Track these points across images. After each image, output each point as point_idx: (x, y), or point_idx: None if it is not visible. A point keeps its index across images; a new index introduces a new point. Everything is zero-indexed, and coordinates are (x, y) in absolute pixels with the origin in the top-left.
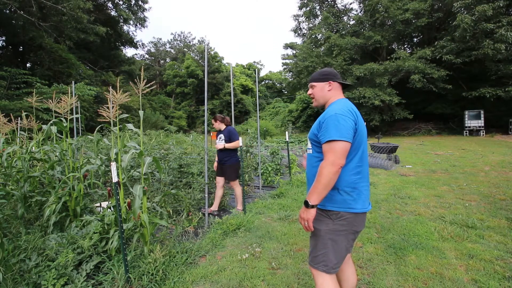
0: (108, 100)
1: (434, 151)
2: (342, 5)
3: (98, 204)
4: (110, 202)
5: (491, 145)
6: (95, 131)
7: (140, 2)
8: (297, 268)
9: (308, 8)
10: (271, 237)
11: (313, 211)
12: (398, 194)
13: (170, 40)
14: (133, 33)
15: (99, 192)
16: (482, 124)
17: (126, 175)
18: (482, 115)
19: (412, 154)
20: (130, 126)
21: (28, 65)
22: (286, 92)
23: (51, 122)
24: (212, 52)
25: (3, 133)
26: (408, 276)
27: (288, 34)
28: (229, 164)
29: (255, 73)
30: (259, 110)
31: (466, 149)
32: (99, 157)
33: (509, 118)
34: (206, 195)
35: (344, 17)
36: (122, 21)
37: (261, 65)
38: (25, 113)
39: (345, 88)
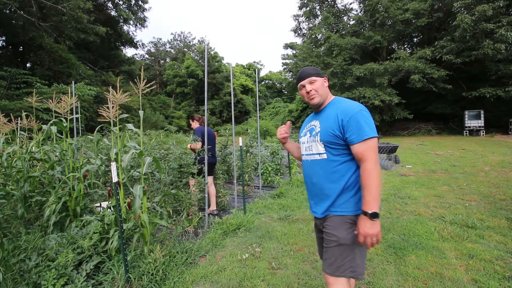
0: (108, 100)
1: (434, 151)
2: (342, 5)
3: (98, 204)
4: (110, 202)
5: (491, 145)
6: (95, 131)
7: (140, 2)
8: (297, 268)
9: (308, 8)
10: (271, 237)
11: (379, 221)
12: (398, 194)
13: (170, 40)
14: (133, 33)
15: (99, 192)
16: (482, 124)
17: (126, 175)
18: (482, 115)
19: (412, 154)
20: (130, 126)
21: (28, 65)
22: (286, 92)
23: (51, 122)
24: (212, 52)
25: (3, 133)
26: (408, 276)
27: (288, 34)
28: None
29: (255, 73)
30: (259, 110)
31: (466, 149)
32: (99, 157)
33: (509, 118)
34: (206, 195)
35: (344, 17)
36: (122, 21)
37: (261, 65)
38: (25, 113)
39: None
